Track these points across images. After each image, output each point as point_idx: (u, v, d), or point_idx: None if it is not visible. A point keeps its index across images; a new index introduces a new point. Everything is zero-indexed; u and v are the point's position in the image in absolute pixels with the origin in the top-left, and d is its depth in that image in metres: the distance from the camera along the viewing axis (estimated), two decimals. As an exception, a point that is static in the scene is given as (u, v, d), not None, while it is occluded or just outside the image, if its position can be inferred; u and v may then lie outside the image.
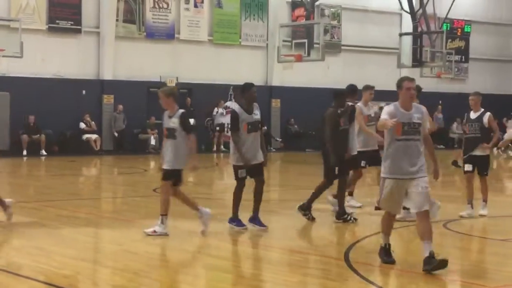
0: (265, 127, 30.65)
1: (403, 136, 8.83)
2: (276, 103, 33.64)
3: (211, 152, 31.03)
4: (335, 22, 35.36)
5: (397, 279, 9.14)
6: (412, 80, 9.27)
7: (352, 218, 12.55)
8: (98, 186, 20.33)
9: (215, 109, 31.57)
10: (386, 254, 9.21)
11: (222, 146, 31.83)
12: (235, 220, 11.60)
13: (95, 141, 29.93)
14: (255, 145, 11.50)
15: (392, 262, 9.10)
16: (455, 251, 10.92)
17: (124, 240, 10.83)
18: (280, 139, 33.69)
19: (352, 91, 13.55)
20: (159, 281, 8.47)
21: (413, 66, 32.54)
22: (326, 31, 33.04)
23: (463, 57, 39.29)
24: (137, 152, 30.04)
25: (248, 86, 11.57)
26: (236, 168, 11.62)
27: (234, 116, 11.54)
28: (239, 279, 8.55)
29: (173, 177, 11.03)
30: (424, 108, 9.31)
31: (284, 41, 30.33)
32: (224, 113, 31.91)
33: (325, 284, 8.52)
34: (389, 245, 9.26)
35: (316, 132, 13.79)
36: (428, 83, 35.37)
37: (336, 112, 12.46)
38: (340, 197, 12.61)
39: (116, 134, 30.60)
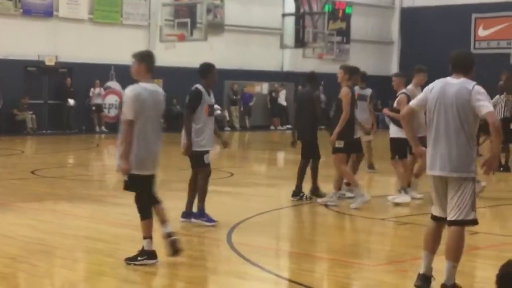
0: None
1: None
2: (158, 83, 33.27)
3: (92, 133, 30.50)
4: (218, 2, 35.13)
5: (279, 259, 9.16)
6: None
7: (306, 197, 13.00)
8: (-27, 168, 19.65)
9: (91, 90, 31.02)
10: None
11: (103, 127, 31.34)
12: (203, 215, 10.68)
13: (-32, 121, 28.91)
14: (212, 130, 10.70)
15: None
16: (336, 230, 11.05)
17: (0, 224, 10.46)
18: (162, 120, 33.35)
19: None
20: (38, 266, 8.21)
21: (296, 46, 32.87)
22: (209, 11, 32.78)
23: (344, 38, 39.87)
24: (14, 133, 29.18)
25: (211, 67, 10.82)
26: (201, 154, 10.60)
27: (198, 95, 10.70)
28: (120, 262, 8.37)
29: None
30: None
31: (166, 20, 30.03)
32: (102, 93, 31.41)
33: (206, 265, 8.45)
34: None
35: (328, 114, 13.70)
36: (310, 64, 35.76)
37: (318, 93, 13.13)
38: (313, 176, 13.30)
39: (-9, 115, 29.63)
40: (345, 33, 39.89)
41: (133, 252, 8.40)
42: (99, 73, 31.26)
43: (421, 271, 7.20)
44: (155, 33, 31.41)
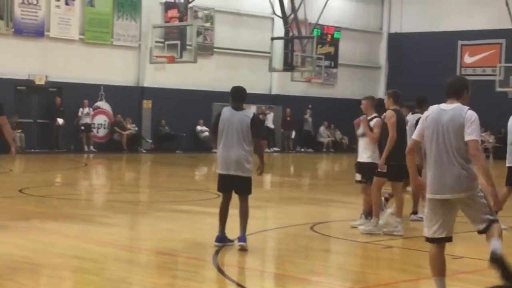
0: None
1: None
2: (147, 104, 33.42)
3: (81, 152, 30.53)
4: (208, 25, 35.44)
5: (265, 281, 9.25)
6: None
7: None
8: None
9: (80, 109, 31.11)
10: None
11: (91, 147, 31.40)
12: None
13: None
14: None
15: None
16: (322, 253, 11.14)
17: (-13, 242, 10.51)
18: (151, 141, 33.50)
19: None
20: (24, 284, 8.25)
21: (284, 70, 33.03)
22: (199, 33, 33.03)
23: (332, 62, 40.14)
24: (3, 151, 29.13)
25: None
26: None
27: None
28: (106, 281, 8.44)
29: None
30: None
31: (156, 42, 30.16)
32: (91, 113, 31.50)
33: (193, 286, 8.52)
34: None
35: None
36: (298, 88, 36.14)
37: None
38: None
39: (-20, 133, 29.67)
40: (333, 58, 40.17)
41: (119, 271, 8.46)
42: (89, 93, 31.37)
43: None
44: (145, 54, 31.55)
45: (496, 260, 6.86)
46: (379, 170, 12.11)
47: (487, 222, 7.37)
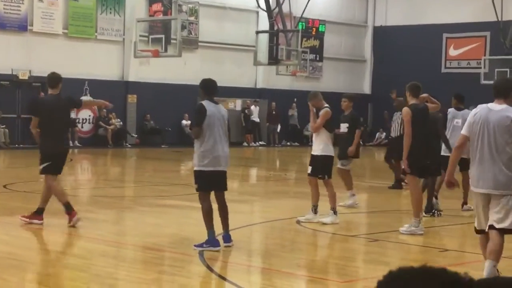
0: None
1: None
2: (132, 99, 33.33)
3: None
4: (192, 18, 35.36)
5: (251, 275, 9.25)
6: None
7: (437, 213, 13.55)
8: None
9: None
10: None
11: (76, 142, 31.29)
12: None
13: None
14: None
15: None
16: (307, 247, 11.15)
17: (-28, 239, 10.46)
18: (136, 135, 33.42)
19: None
20: (10, 281, 8.22)
21: (269, 63, 32.98)
22: (183, 27, 32.95)
23: (317, 56, 40.16)
24: (-13, 146, 29.04)
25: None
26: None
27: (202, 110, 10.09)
28: (93, 277, 8.42)
29: None
30: None
31: (141, 36, 30.08)
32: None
33: (180, 281, 8.51)
34: None
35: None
36: (284, 81, 36.12)
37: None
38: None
39: (-36, 128, 29.53)
40: (318, 51, 40.18)
41: (106, 266, 8.44)
42: (73, 87, 31.12)
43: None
44: (130, 48, 31.44)
45: None
46: (404, 170, 11.79)
47: (510, 226, 7.72)
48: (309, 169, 12.58)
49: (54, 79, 11.96)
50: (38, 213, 11.61)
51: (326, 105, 12.50)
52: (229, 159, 10.33)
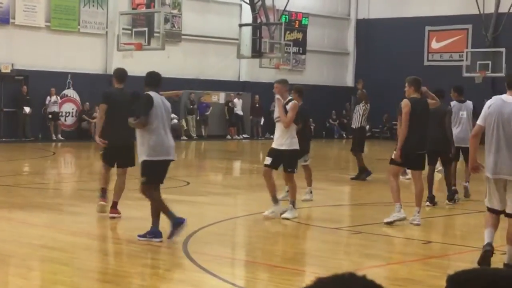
0: None
1: None
2: (115, 92, 33.22)
3: (49, 141, 30.30)
4: (175, 11, 35.28)
5: (235, 268, 9.27)
6: None
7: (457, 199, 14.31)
8: None
9: (47, 98, 30.84)
10: None
11: (59, 135, 31.18)
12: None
13: None
14: None
15: None
16: (290, 239, 11.18)
17: (-45, 233, 10.42)
18: (120, 128, 33.28)
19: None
20: (-8, 274, 8.20)
21: (253, 56, 32.96)
22: (166, 20, 32.86)
23: (300, 49, 40.16)
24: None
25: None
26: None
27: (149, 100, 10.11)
28: (76, 271, 8.41)
29: None
30: None
31: (124, 29, 29.97)
32: (59, 101, 31.24)
33: (164, 274, 8.52)
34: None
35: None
36: (267, 74, 36.06)
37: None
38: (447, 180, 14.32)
39: None
40: (301, 44, 40.19)
41: (89, 260, 8.42)
42: (56, 81, 31.11)
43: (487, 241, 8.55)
44: (113, 41, 31.35)
45: None
46: (393, 158, 11.83)
47: None
48: (268, 160, 12.15)
49: (122, 73, 12.03)
50: (113, 207, 11.72)
51: (290, 96, 12.36)
52: (174, 149, 10.33)
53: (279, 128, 12.14)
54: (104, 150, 11.89)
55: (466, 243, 10.98)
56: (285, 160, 12.11)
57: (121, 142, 11.65)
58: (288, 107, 12.02)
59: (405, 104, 11.83)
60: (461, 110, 14.74)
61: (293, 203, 12.24)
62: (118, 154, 11.78)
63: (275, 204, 12.19)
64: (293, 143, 12.08)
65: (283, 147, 12.04)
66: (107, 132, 11.62)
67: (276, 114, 12.26)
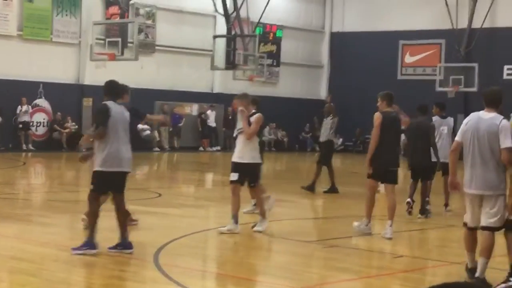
0: None
1: None
2: (88, 102, 32.96)
3: (19, 151, 30.02)
4: (149, 22, 35.18)
5: (206, 281, 9.19)
6: None
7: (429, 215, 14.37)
8: None
9: (19, 107, 30.54)
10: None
11: (30, 145, 30.89)
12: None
13: None
14: None
15: None
16: (263, 253, 11.11)
17: None
18: (91, 139, 33.04)
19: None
20: (-42, 286, 8.06)
21: (226, 68, 32.95)
22: (140, 31, 32.77)
23: (274, 61, 40.18)
24: None
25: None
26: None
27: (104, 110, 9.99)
28: (44, 282, 8.29)
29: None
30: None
31: (97, 39, 29.84)
32: (30, 111, 30.96)
33: (133, 286, 8.42)
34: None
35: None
36: (240, 86, 36.02)
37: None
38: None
39: None
40: (275, 56, 40.22)
41: (58, 271, 8.30)
42: (28, 90, 30.84)
43: (469, 266, 8.77)
44: (85, 51, 31.18)
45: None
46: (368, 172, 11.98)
47: (495, 224, 8.49)
48: (234, 176, 11.96)
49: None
50: None
51: (254, 109, 12.20)
52: (131, 161, 10.14)
53: (241, 140, 11.96)
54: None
55: (437, 257, 10.98)
56: (247, 175, 11.96)
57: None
58: (252, 119, 11.90)
59: (376, 117, 11.91)
60: (442, 126, 15.01)
61: (263, 215, 12.12)
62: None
63: (234, 223, 11.89)
64: (255, 157, 11.96)
65: (245, 160, 11.88)
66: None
67: (238, 126, 12.09)
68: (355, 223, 12.28)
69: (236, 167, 11.98)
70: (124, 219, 10.18)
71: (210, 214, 15.34)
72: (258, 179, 12.28)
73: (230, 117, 37.23)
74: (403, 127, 13.35)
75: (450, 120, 15.35)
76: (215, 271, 9.71)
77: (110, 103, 10.03)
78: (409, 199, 14.38)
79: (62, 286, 8.22)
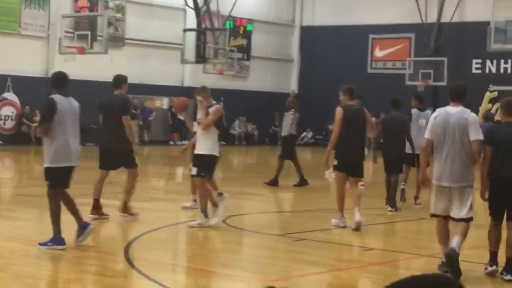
0: None
1: None
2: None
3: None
4: (119, 15, 34.99)
5: (177, 275, 9.17)
6: None
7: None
8: None
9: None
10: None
11: (-1, 139, 30.68)
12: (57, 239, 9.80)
13: None
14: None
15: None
16: (234, 246, 11.11)
17: None
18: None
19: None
20: None
21: (197, 62, 32.89)
22: (110, 24, 32.54)
23: (245, 55, 40.18)
24: None
25: None
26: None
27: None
28: (13, 277, 8.22)
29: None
30: None
31: (66, 32, 29.64)
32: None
33: (104, 281, 8.37)
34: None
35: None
36: (211, 80, 35.98)
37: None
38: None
39: None
40: (245, 50, 40.20)
41: (27, 266, 8.24)
42: (-5, 84, 30.58)
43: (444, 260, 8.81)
44: (54, 44, 30.95)
45: (452, 256, 8.48)
46: (335, 164, 12.10)
47: (467, 215, 8.73)
48: (194, 170, 11.90)
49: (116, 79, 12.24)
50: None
51: (214, 101, 12.16)
52: (78, 155, 10.10)
53: (199, 132, 11.90)
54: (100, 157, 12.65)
55: (408, 250, 11.03)
56: (202, 165, 11.77)
57: (110, 146, 12.50)
58: (210, 110, 11.79)
59: (338, 111, 12.07)
60: (420, 118, 15.15)
61: (203, 210, 11.87)
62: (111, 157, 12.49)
63: (204, 216, 11.81)
64: (213, 149, 11.79)
65: (201, 152, 11.77)
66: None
67: (198, 116, 12.01)
68: (333, 220, 12.25)
69: (195, 158, 11.99)
70: (74, 206, 10.08)
71: (180, 207, 15.30)
72: (212, 172, 11.95)
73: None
74: (374, 119, 13.45)
75: (428, 112, 15.39)
76: (185, 265, 9.70)
77: (56, 97, 9.88)
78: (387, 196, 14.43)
79: (31, 281, 8.15)
